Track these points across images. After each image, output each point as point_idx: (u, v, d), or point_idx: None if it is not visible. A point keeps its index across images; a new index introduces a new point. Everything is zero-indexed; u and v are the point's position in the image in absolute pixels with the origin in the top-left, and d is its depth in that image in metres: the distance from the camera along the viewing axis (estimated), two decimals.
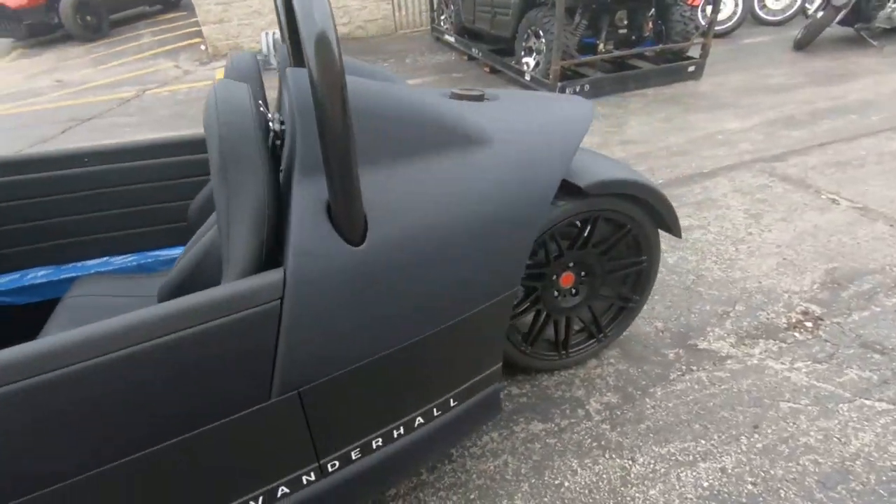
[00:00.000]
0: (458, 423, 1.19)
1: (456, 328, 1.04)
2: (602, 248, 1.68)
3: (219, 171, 0.86)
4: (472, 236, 1.03)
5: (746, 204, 2.86)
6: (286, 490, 0.97)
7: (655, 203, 1.57)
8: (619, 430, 1.61)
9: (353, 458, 1.03)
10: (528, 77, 4.81)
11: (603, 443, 1.57)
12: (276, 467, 0.94)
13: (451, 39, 6.41)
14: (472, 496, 1.42)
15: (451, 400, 1.14)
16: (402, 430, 1.08)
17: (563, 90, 4.47)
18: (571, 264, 1.67)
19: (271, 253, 0.90)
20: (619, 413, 1.67)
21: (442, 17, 6.76)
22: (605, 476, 1.47)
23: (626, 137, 3.81)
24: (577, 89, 4.54)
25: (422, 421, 1.10)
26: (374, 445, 1.05)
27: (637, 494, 1.41)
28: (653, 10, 4.84)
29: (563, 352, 1.81)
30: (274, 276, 0.84)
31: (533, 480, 1.46)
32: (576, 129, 1.29)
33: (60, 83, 6.13)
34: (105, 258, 1.85)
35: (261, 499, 0.95)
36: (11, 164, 1.60)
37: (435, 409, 1.12)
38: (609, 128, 4.00)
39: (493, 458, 1.54)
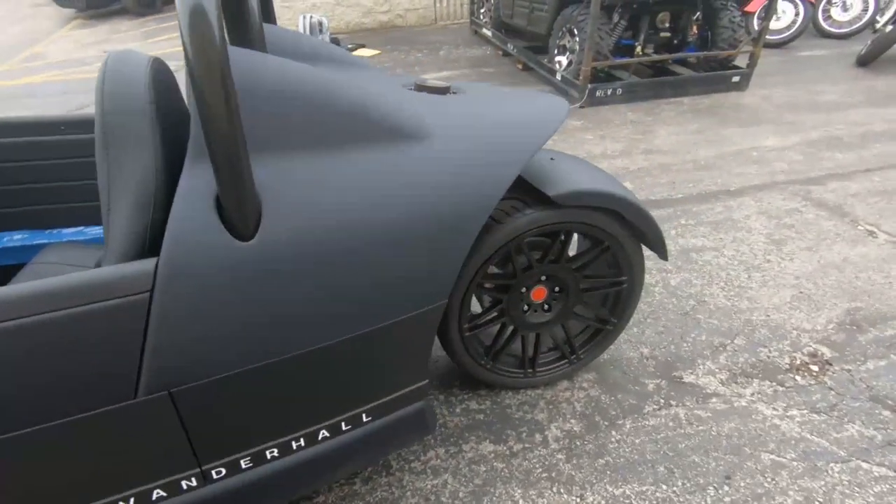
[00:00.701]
0: (374, 440, 1.10)
1: (364, 339, 0.95)
2: (577, 263, 1.55)
3: (101, 145, 0.79)
4: (390, 240, 0.93)
5: (770, 228, 2.63)
6: (162, 493, 0.91)
7: (636, 220, 1.43)
8: (574, 462, 1.48)
9: (244, 466, 0.96)
10: (558, 77, 4.62)
11: (554, 474, 1.44)
12: (149, 469, 0.88)
13: (489, 34, 6.27)
14: None
15: (364, 415, 1.05)
16: (302, 443, 0.99)
17: (593, 93, 4.28)
18: (544, 278, 1.55)
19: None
20: (578, 443, 1.53)
21: (482, 11, 6.62)
22: None
23: (651, 146, 3.60)
24: (609, 92, 4.33)
25: (327, 434, 1.02)
26: (269, 456, 0.97)
27: None
28: (699, 13, 4.56)
29: (530, 370, 1.69)
30: (145, 265, 0.77)
31: None
32: (539, 131, 1.17)
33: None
34: (80, 227, 1.85)
35: (132, 500, 0.89)
36: None
37: (343, 424, 1.03)
38: (636, 135, 3.79)
39: (433, 477, 1.44)
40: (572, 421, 1.61)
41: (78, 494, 0.85)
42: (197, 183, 0.80)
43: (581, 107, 4.31)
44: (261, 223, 0.82)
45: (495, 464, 1.48)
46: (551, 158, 1.50)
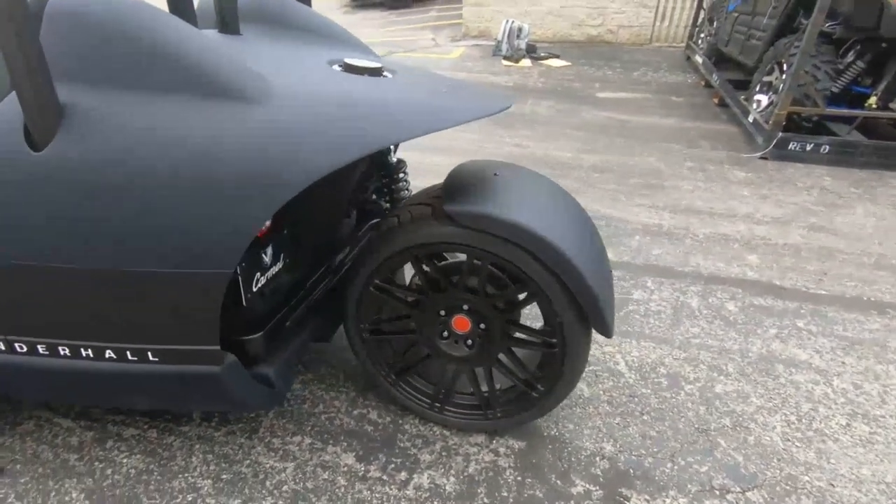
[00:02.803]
0: (166, 384, 1.11)
1: (133, 278, 0.97)
2: (501, 303, 1.29)
3: None
4: (171, 191, 0.92)
5: None
6: None
7: (556, 268, 1.11)
8: None
9: (40, 351, 1.09)
10: (750, 118, 3.82)
11: None
12: None
13: (699, 60, 5.51)
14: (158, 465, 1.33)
15: (150, 353, 1.07)
16: (90, 353, 1.07)
17: (784, 144, 3.42)
18: (465, 307, 1.33)
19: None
20: (437, 500, 1.30)
21: (702, 35, 5.82)
22: None
23: (825, 223, 2.72)
24: (808, 148, 3.41)
25: (113, 356, 1.07)
26: (62, 352, 1.07)
27: None
28: None
29: (437, 404, 1.48)
30: None
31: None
32: (421, 120, 1.00)
33: None
34: None
35: None
36: None
37: (129, 353, 1.07)
38: (815, 205, 2.91)
39: (280, 460, 1.39)
40: (452, 480, 1.37)
41: None
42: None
43: (763, 157, 3.49)
44: (53, 140, 0.91)
45: (339, 478, 1.35)
46: (495, 174, 1.27)
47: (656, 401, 1.64)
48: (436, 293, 1.32)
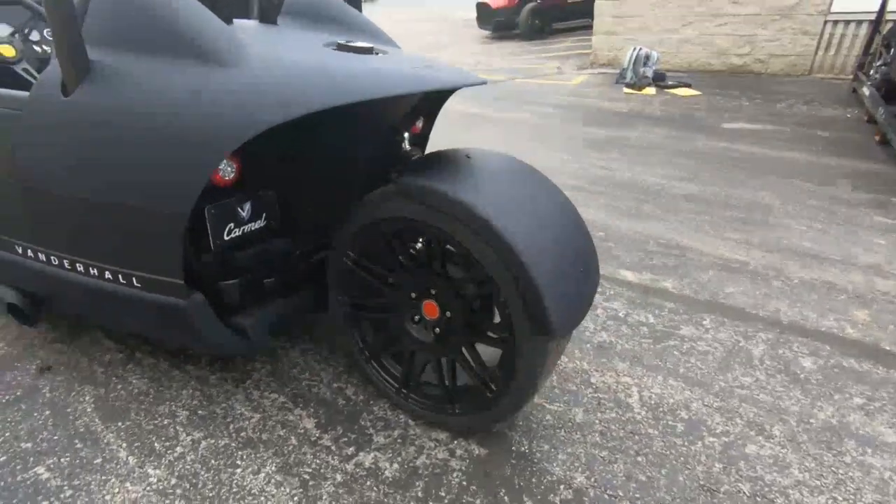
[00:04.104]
0: (146, 311, 1.27)
1: (112, 207, 1.15)
2: (460, 290, 1.24)
3: None
4: (149, 133, 1.07)
5: None
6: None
7: (506, 260, 1.04)
8: (339, 487, 1.23)
9: (19, 251, 1.35)
10: None
11: (313, 483, 1.25)
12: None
13: (867, 92, 4.66)
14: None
15: (120, 276, 1.24)
16: (80, 268, 1.27)
17: None
18: (433, 292, 1.30)
19: None
20: (364, 483, 1.26)
21: (875, 64, 4.92)
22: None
23: None
24: None
25: (95, 273, 1.27)
26: (24, 249, 1.31)
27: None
28: None
29: (404, 390, 1.44)
30: (22, 94, 1.20)
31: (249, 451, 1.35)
32: (376, 85, 1.04)
33: (474, 63, 7.86)
34: None
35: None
36: None
37: (107, 272, 1.25)
38: None
39: (248, 410, 1.47)
40: (395, 467, 1.32)
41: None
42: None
43: None
44: (78, 88, 1.13)
45: (292, 438, 1.38)
46: (467, 156, 1.23)
47: (661, 445, 1.40)
48: (403, 273, 1.31)
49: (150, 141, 1.08)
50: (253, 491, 1.24)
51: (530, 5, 9.35)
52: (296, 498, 1.23)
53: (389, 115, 1.50)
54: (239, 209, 1.29)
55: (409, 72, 1.13)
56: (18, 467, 1.30)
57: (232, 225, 1.27)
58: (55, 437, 1.39)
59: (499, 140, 4.13)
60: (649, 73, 5.73)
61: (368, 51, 1.27)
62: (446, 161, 1.21)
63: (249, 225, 1.32)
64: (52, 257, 1.34)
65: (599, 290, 2.10)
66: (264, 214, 1.36)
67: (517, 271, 1.03)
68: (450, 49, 9.23)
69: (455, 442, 1.40)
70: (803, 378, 1.65)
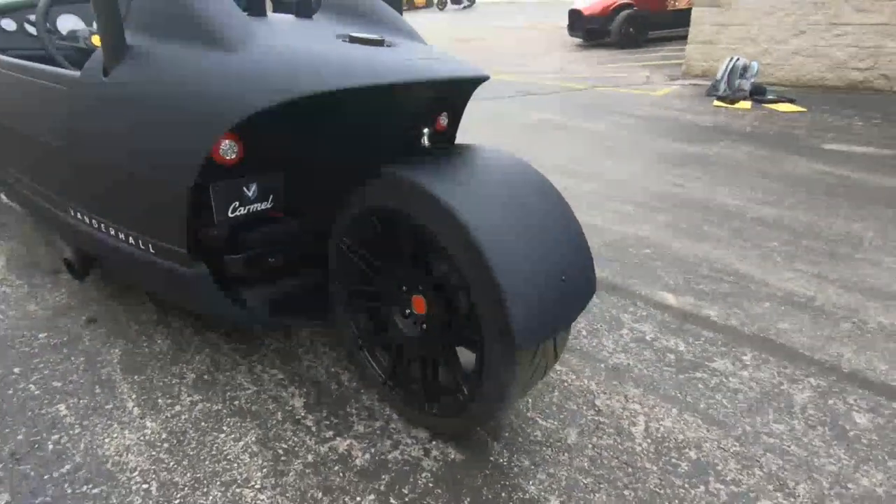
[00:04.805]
0: (159, 274, 1.37)
1: (128, 176, 1.27)
2: (441, 287, 1.21)
3: None
4: (156, 116, 1.18)
5: None
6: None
7: (470, 258, 1.00)
8: (315, 476, 1.25)
9: (70, 212, 1.54)
10: None
11: (293, 459, 1.28)
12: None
13: None
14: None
15: (130, 238, 1.36)
16: (95, 223, 1.43)
17: None
18: (420, 287, 1.29)
19: None
20: (333, 468, 1.26)
21: None
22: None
23: None
24: None
25: (114, 234, 1.40)
26: (74, 212, 1.49)
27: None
28: None
29: (390, 382, 1.43)
30: (75, 73, 1.36)
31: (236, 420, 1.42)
32: (371, 72, 1.07)
33: (558, 70, 7.68)
34: None
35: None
36: None
37: (121, 233, 1.38)
38: None
39: (249, 383, 1.54)
40: (367, 457, 1.31)
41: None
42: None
43: None
44: (114, 69, 1.25)
45: (278, 413, 1.43)
46: (469, 153, 1.20)
47: (656, 482, 1.27)
48: (390, 264, 1.31)
49: (159, 119, 1.19)
50: (229, 456, 1.30)
51: (626, 12, 8.98)
52: (265, 469, 1.27)
53: (406, 108, 1.51)
54: (245, 189, 1.36)
55: (406, 62, 1.13)
56: (46, 402, 1.47)
57: (237, 203, 1.34)
58: (81, 381, 1.55)
59: (564, 150, 3.99)
60: (746, 85, 5.26)
61: (379, 43, 1.28)
62: (443, 156, 1.19)
63: (255, 205, 1.38)
64: (91, 220, 1.50)
65: (630, 310, 1.96)
66: (271, 196, 1.42)
67: (483, 273, 0.99)
68: (537, 57, 9.11)
69: (433, 443, 1.36)
70: (852, 436, 1.42)
